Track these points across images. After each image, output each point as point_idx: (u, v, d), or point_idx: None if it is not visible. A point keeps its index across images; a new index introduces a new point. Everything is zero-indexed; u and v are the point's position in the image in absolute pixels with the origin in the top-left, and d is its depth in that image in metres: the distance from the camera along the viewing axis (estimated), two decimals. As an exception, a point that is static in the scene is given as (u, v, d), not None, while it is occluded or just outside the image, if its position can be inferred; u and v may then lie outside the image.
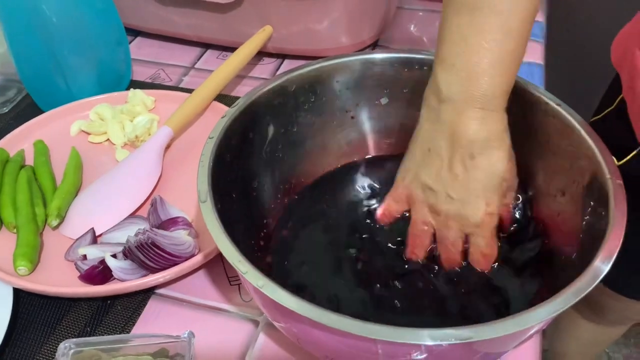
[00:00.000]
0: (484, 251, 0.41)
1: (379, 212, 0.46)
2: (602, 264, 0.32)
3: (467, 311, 0.41)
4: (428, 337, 0.29)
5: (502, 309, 0.41)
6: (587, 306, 0.85)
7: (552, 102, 0.43)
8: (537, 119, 0.44)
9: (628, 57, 0.57)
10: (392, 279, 0.43)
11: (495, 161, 0.39)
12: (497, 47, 0.36)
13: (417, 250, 0.43)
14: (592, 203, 0.37)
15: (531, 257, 0.43)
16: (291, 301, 0.31)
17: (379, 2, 0.71)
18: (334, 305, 0.42)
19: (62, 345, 0.37)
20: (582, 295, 0.31)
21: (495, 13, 0.36)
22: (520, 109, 0.44)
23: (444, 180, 0.40)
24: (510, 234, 0.44)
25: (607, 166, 0.37)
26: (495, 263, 0.42)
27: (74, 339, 0.37)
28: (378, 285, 0.43)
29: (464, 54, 0.37)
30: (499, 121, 0.38)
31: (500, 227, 0.42)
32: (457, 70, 0.38)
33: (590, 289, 0.31)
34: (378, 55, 0.47)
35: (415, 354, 0.32)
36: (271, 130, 0.47)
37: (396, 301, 0.42)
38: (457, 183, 0.39)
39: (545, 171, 0.44)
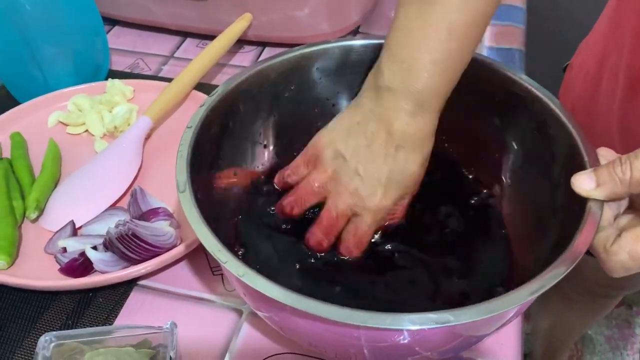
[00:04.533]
0: (360, 236, 0.41)
1: (281, 172, 0.45)
2: (580, 246, 0.32)
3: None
4: (408, 321, 0.29)
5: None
6: (571, 282, 0.86)
7: (531, 87, 0.43)
8: (517, 104, 0.44)
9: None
10: (368, 269, 0.43)
11: (409, 159, 0.40)
12: (440, 45, 0.36)
13: (298, 204, 0.43)
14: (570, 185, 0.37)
15: (510, 242, 0.43)
16: (272, 289, 0.31)
17: (359, -12, 0.71)
18: (302, 275, 0.42)
19: (42, 339, 0.37)
20: (560, 277, 0.31)
21: (443, 8, 0.36)
22: (499, 92, 0.45)
23: (359, 154, 0.40)
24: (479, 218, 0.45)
25: (585, 148, 0.38)
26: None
27: (55, 332, 0.37)
28: (353, 278, 0.43)
29: (407, 45, 0.37)
30: (429, 122, 0.39)
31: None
32: (399, 61, 0.38)
33: (568, 271, 0.31)
34: (357, 42, 0.47)
35: (396, 339, 0.32)
36: (251, 118, 0.47)
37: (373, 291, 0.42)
38: (369, 162, 0.40)
39: (525, 155, 0.44)
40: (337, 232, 0.42)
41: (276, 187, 0.46)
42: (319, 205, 0.43)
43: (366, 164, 0.40)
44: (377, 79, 0.40)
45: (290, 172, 0.44)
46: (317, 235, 0.42)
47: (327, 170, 0.42)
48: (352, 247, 0.42)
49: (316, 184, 0.42)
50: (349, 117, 0.42)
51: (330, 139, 0.42)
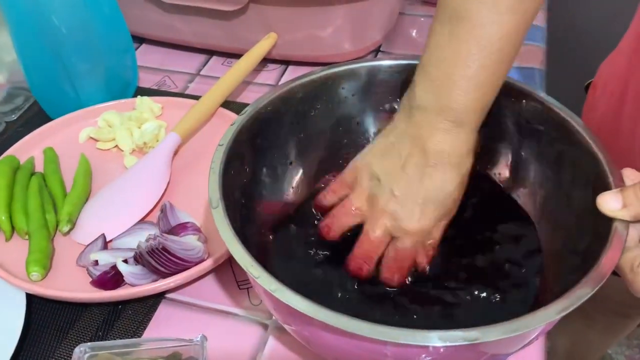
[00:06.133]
0: (400, 260, 0.40)
1: (321, 194, 0.45)
2: (607, 265, 0.33)
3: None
4: (437, 338, 0.30)
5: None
6: (592, 302, 0.85)
7: (554, 106, 0.43)
8: (539, 124, 0.45)
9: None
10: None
11: (447, 178, 0.39)
12: (473, 61, 0.36)
13: (335, 226, 0.42)
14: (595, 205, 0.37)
15: (535, 262, 0.44)
16: (303, 304, 0.32)
17: (382, 8, 0.72)
18: (336, 304, 0.42)
19: (77, 350, 0.38)
20: (587, 297, 0.31)
21: (475, 25, 0.35)
22: (521, 113, 0.45)
23: (394, 175, 0.39)
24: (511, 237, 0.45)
25: (609, 168, 0.38)
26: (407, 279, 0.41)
27: (89, 343, 0.38)
28: (382, 285, 0.44)
29: (440, 63, 0.37)
30: (466, 140, 0.38)
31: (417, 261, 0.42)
32: (432, 79, 0.38)
33: (595, 290, 0.32)
34: (384, 62, 0.48)
35: (423, 355, 0.33)
36: (279, 137, 0.48)
37: (399, 300, 0.43)
38: (404, 183, 0.39)
39: (548, 176, 0.45)
40: (377, 256, 0.41)
41: (314, 210, 0.46)
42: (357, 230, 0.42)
43: (402, 185, 0.39)
44: (410, 99, 0.39)
45: (327, 194, 0.44)
46: (356, 260, 0.41)
47: (363, 193, 0.41)
48: (394, 273, 0.41)
49: (353, 207, 0.42)
50: (384, 138, 0.41)
51: (365, 161, 0.42)
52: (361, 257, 0.41)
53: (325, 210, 0.44)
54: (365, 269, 0.41)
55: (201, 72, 0.75)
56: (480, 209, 0.47)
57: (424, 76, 0.38)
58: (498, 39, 0.36)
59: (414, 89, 0.39)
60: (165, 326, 0.47)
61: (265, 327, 0.46)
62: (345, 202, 0.42)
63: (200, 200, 0.55)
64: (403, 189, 0.39)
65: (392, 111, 0.50)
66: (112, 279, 0.46)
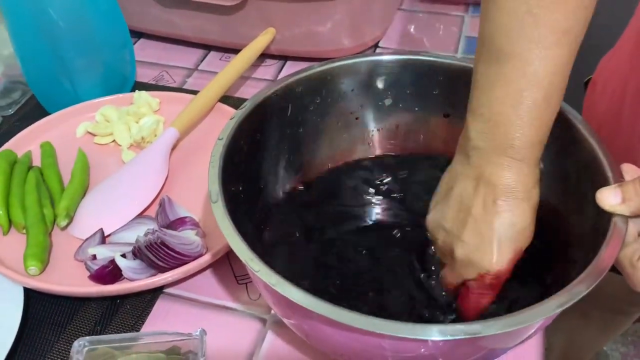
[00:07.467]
0: (478, 298, 0.39)
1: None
2: (606, 260, 0.33)
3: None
4: (437, 332, 0.30)
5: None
6: (589, 298, 0.85)
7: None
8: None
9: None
10: (397, 273, 0.44)
11: (518, 213, 0.37)
12: (524, 97, 0.35)
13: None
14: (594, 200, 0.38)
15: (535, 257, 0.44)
16: (303, 298, 0.32)
17: (381, 4, 0.72)
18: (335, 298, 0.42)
19: (76, 343, 0.38)
20: (587, 290, 0.31)
21: (523, 62, 0.35)
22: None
23: (460, 221, 0.38)
24: None
25: (608, 163, 0.38)
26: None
27: (88, 337, 0.38)
28: (381, 282, 0.44)
29: (490, 103, 0.36)
30: (529, 174, 0.37)
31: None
32: (485, 120, 0.37)
33: (595, 284, 0.32)
34: (384, 58, 0.48)
35: (423, 349, 0.33)
36: (277, 131, 0.48)
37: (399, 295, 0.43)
38: (472, 226, 0.38)
39: (547, 172, 0.45)
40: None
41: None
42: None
43: (468, 228, 0.38)
44: (465, 143, 0.39)
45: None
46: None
47: (442, 249, 0.41)
48: (471, 312, 0.41)
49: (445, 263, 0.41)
50: (444, 186, 0.41)
51: (432, 217, 0.41)
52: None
53: None
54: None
55: (199, 67, 0.74)
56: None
57: (476, 118, 0.37)
58: (547, 75, 0.35)
59: (467, 133, 0.38)
60: (163, 321, 0.47)
61: (263, 321, 0.46)
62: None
63: (199, 195, 0.54)
64: (471, 232, 0.38)
65: (390, 106, 0.51)
66: (110, 273, 0.46)
